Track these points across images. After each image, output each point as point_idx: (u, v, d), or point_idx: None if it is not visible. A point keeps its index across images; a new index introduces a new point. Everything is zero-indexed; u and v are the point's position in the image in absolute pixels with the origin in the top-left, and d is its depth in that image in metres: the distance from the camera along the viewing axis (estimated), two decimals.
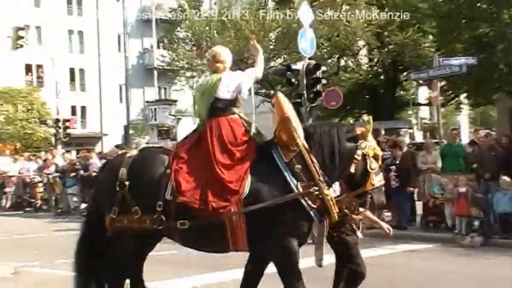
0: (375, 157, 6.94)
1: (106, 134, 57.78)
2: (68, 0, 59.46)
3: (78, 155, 27.82)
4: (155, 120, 59.29)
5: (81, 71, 59.67)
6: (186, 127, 58.32)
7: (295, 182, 6.59)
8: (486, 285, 7.46)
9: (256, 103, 36.09)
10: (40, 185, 26.44)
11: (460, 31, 26.33)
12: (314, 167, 6.63)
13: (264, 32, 29.54)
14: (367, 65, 31.88)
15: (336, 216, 6.69)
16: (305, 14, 19.17)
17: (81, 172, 23.92)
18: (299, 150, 6.67)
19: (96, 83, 60.10)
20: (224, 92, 6.88)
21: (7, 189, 27.42)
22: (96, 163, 23.98)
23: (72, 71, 57.90)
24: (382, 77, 30.53)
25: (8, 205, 27.06)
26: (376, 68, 31.59)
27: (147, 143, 28.06)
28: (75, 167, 24.66)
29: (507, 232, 14.78)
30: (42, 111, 48.12)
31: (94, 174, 23.38)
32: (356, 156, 6.83)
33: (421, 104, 39.52)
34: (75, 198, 24.48)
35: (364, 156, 6.84)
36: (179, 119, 59.55)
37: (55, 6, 57.65)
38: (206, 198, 6.50)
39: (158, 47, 58.15)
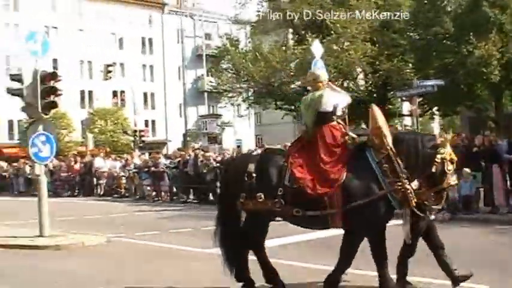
0: (451, 161, 6.79)
1: (170, 140, 58.05)
2: (142, 42, 59.91)
3: (149, 156, 27.86)
4: (206, 129, 59.58)
5: (152, 94, 59.99)
6: (228, 135, 58.90)
7: (383, 178, 6.63)
8: (452, 252, 7.37)
9: (281, 115, 36.15)
10: (123, 178, 26.56)
11: (431, 60, 26.29)
12: (399, 167, 6.63)
13: (286, 63, 29.48)
14: (363, 86, 31.61)
15: (414, 204, 6.65)
16: (317, 48, 19.12)
17: (152, 168, 23.95)
18: (387, 153, 6.69)
19: (162, 103, 60.43)
20: (326, 106, 6.97)
21: (100, 181, 27.54)
22: (162, 162, 24.10)
23: (145, 94, 58.27)
24: (375, 95, 30.21)
25: (101, 193, 27.19)
26: (370, 88, 31.31)
27: (199, 147, 28.16)
28: (147, 165, 24.74)
29: (468, 210, 14.81)
30: (124, 125, 48.47)
31: (161, 170, 23.59)
32: (436, 160, 6.73)
33: (404, 115, 38.99)
34: (148, 188, 24.53)
35: (442, 160, 6.72)
36: (223, 128, 59.70)
37: (133, 48, 58.22)
38: (314, 184, 6.64)
39: (207, 75, 58.32)
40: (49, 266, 9.98)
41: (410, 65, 29.01)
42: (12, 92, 12.68)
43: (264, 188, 6.80)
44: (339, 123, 7.04)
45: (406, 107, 37.74)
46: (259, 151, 7.70)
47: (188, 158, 22.64)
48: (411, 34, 29.19)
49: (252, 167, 6.93)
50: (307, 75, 7.63)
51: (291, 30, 34.40)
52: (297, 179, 6.70)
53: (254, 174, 6.87)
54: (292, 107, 32.36)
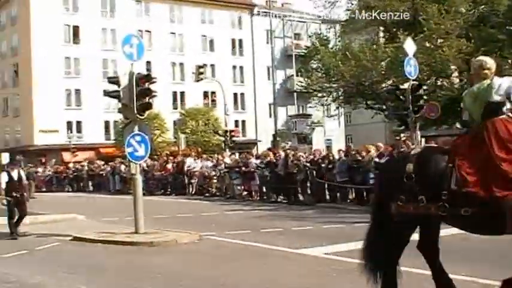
0: None
1: (260, 140, 58.57)
2: (233, 44, 60.82)
3: (240, 156, 28.17)
4: (295, 129, 59.85)
5: (242, 95, 60.77)
6: (318, 134, 58.71)
7: None
8: None
9: (371, 115, 35.56)
10: (214, 177, 27.00)
11: None
12: None
13: (376, 61, 28.97)
14: (458, 84, 30.48)
15: None
16: (409, 46, 18.62)
17: (243, 168, 24.21)
18: None
19: (252, 103, 61.06)
20: (495, 96, 6.10)
21: (192, 180, 28.13)
22: (253, 161, 24.29)
23: (235, 95, 59.10)
24: None
25: (193, 192, 27.76)
26: (465, 86, 30.18)
27: (289, 147, 28.16)
28: (238, 165, 25.03)
29: None
30: (215, 125, 49.33)
31: (252, 169, 23.80)
32: None
33: None
34: (238, 187, 24.80)
35: None
36: (313, 128, 59.64)
37: (224, 49, 59.26)
38: (489, 188, 5.80)
39: (297, 75, 58.46)
40: (145, 261, 10.33)
41: (510, 61, 27.69)
42: (109, 94, 13.23)
43: (425, 190, 6.10)
44: (509, 116, 6.08)
45: None
46: (418, 150, 6.93)
47: (278, 158, 22.73)
48: (511, 28, 27.82)
49: (411, 167, 6.24)
50: (472, 63, 6.65)
51: (381, 28, 33.78)
52: (466, 181, 5.90)
53: (414, 176, 6.18)
54: (383, 107, 31.75)
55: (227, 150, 33.18)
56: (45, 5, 51.15)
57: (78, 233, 13.19)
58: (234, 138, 35.86)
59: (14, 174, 13.84)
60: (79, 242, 12.61)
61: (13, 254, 11.02)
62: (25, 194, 14.20)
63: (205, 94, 57.08)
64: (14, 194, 13.58)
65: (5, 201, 13.44)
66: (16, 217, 13.70)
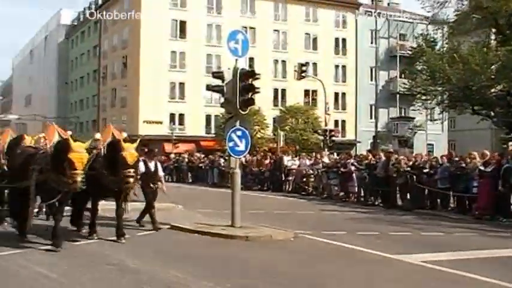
0: None
1: (359, 142, 57.87)
2: (336, 43, 60.41)
3: (338, 156, 27.92)
4: (396, 132, 58.67)
5: (343, 94, 60.26)
6: (419, 139, 57.21)
7: None
8: None
9: (477, 120, 34.17)
10: (312, 176, 26.96)
11: None
12: None
13: (486, 65, 27.80)
14: None
15: None
16: None
17: (341, 169, 23.98)
18: None
19: (353, 103, 60.39)
20: None
21: (289, 178, 28.26)
22: (351, 162, 23.98)
23: (336, 94, 58.66)
24: None
25: (289, 189, 27.86)
26: None
27: (392, 150, 27.54)
28: (336, 165, 24.82)
29: None
30: (315, 124, 49.20)
31: (350, 170, 23.47)
32: None
33: None
34: (336, 188, 24.61)
35: None
36: (415, 132, 58.17)
37: (327, 48, 59.05)
38: None
39: (400, 77, 57.27)
40: (239, 255, 10.49)
41: None
42: (213, 88, 13.51)
43: None
44: None
45: None
46: None
47: (378, 160, 22.34)
48: None
49: None
50: None
51: (493, 30, 32.34)
52: None
53: None
54: (491, 113, 30.44)
55: (326, 149, 32.97)
56: (155, 0, 53.10)
57: (176, 222, 13.57)
58: (333, 138, 35.57)
59: (151, 164, 13.49)
60: (176, 231, 13.00)
61: (114, 238, 11.52)
62: (160, 185, 13.77)
63: (306, 92, 57.04)
64: (151, 185, 13.33)
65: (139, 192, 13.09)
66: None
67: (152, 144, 49.83)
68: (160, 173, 14.14)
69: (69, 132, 15.45)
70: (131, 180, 11.03)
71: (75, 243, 11.23)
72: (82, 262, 9.43)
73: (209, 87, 13.63)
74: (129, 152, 11.07)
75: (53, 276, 8.36)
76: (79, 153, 10.04)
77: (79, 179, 9.93)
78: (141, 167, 12.73)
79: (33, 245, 10.73)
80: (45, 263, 9.23)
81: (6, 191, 12.87)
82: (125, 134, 15.06)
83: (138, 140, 11.92)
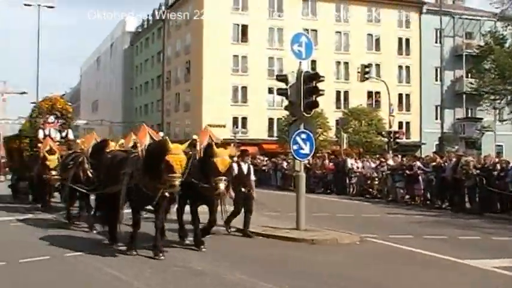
0: None
1: (424, 143, 56.64)
2: (399, 43, 59.47)
3: (404, 158, 27.41)
4: (463, 133, 57.08)
5: (407, 96, 59.17)
6: (487, 140, 55.49)
7: None
8: None
9: None
10: (376, 179, 26.64)
11: None
12: None
13: None
14: None
15: None
16: None
17: (407, 171, 23.57)
18: None
19: (418, 104, 59.24)
20: None
21: (353, 181, 28.01)
22: (418, 165, 23.51)
23: (400, 96, 57.63)
24: None
25: (353, 192, 27.61)
26: None
27: (462, 153, 26.84)
28: (402, 167, 24.42)
29: None
30: (379, 126, 48.54)
31: (417, 173, 23.02)
32: None
33: None
34: (401, 191, 24.21)
35: None
36: (482, 133, 56.45)
37: (390, 49, 58.18)
38: None
39: (467, 76, 55.83)
40: (305, 258, 10.48)
41: None
42: (278, 91, 13.55)
43: None
44: None
45: None
46: None
47: (446, 162, 21.82)
48: None
49: None
50: None
51: None
52: None
53: None
54: None
55: (390, 151, 32.48)
56: (217, 5, 53.68)
57: (242, 225, 13.64)
58: (397, 140, 35.03)
59: (244, 167, 12.79)
60: (241, 233, 13.06)
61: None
62: (252, 190, 12.95)
63: (369, 94, 56.36)
64: (242, 189, 12.62)
65: (233, 195, 12.43)
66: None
67: None
68: (252, 177, 13.17)
69: (161, 134, 15.59)
70: (221, 187, 10.32)
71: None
72: (152, 264, 9.63)
73: (279, 91, 13.65)
74: (221, 158, 10.39)
75: (123, 278, 8.59)
76: (177, 155, 9.44)
77: (177, 183, 9.41)
78: (234, 169, 12.25)
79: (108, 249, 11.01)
80: (118, 265, 9.47)
81: (92, 196, 13.17)
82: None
83: (232, 145, 11.59)
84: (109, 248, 10.85)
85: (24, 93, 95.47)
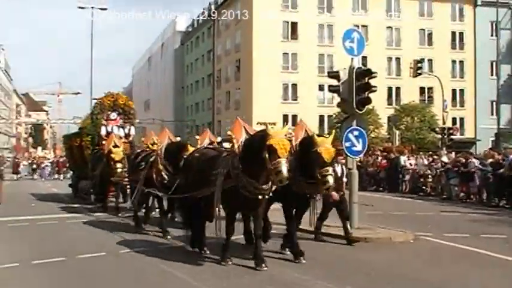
0: None
1: (479, 140, 55.33)
2: (453, 37, 58.23)
3: (458, 155, 26.82)
4: None
5: (461, 91, 57.93)
6: None
7: None
8: None
9: None
10: (429, 176, 26.19)
11: None
12: None
13: None
14: None
15: None
16: None
17: (462, 168, 23.07)
18: None
19: (472, 100, 57.90)
20: None
21: (405, 178, 27.57)
22: (473, 162, 22.97)
23: (454, 91, 56.46)
24: None
25: (406, 190, 27.21)
26: None
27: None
28: (457, 164, 23.90)
29: None
30: (431, 122, 47.75)
31: (472, 170, 22.50)
32: None
33: None
34: (456, 188, 23.73)
35: None
36: None
37: (443, 43, 57.09)
38: None
39: None
40: (358, 257, 10.38)
41: None
42: (330, 89, 13.45)
43: None
44: None
45: None
46: None
47: (504, 158, 21.24)
48: None
49: None
50: None
51: None
52: None
53: None
54: None
55: (444, 148, 31.85)
56: (266, 3, 53.77)
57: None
58: (451, 137, 34.29)
59: (338, 168, 11.54)
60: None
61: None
62: (344, 193, 11.99)
63: (422, 90, 55.48)
64: (334, 193, 11.26)
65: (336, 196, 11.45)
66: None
67: None
68: (344, 178, 12.10)
69: (178, 138, 15.11)
70: (330, 180, 9.04)
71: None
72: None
73: (331, 88, 13.49)
74: (325, 147, 9.10)
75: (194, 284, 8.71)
76: (280, 139, 8.45)
77: (284, 169, 8.25)
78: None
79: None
80: (191, 270, 9.26)
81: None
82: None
83: (333, 132, 10.01)
84: (196, 257, 10.08)
85: (78, 93, 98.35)
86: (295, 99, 54.75)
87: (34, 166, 46.97)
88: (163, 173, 12.14)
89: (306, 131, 10.61)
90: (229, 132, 9.83)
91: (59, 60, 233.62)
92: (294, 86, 54.92)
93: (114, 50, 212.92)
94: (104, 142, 18.70)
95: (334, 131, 10.93)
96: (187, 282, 8.35)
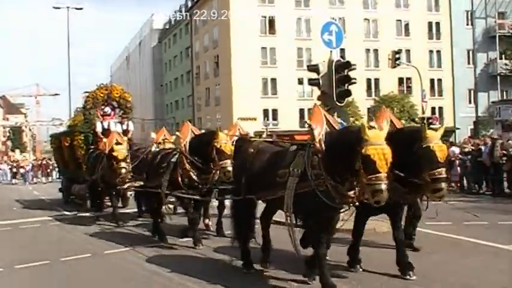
0: None
1: (458, 128, 55.85)
2: (429, 27, 58.65)
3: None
4: (499, 116, 55.96)
5: (439, 80, 58.39)
6: None
7: None
8: None
9: None
10: None
11: None
12: None
13: None
14: None
15: None
16: None
17: None
18: None
19: (450, 89, 58.45)
20: None
21: None
22: (452, 150, 23.02)
23: (432, 81, 56.95)
24: None
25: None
26: None
27: (497, 136, 26.31)
28: None
29: None
30: (411, 112, 48.13)
31: (452, 159, 22.53)
32: None
33: None
34: None
35: None
36: None
37: (420, 34, 57.44)
38: None
39: (500, 58, 54.74)
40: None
41: None
42: (310, 82, 13.47)
43: None
44: None
45: None
46: None
47: (482, 146, 21.47)
48: None
49: None
50: None
51: None
52: None
53: None
54: None
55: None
56: None
57: None
58: (431, 126, 34.48)
59: None
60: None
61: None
62: None
63: (401, 80, 55.85)
64: None
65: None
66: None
67: None
68: None
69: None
70: (444, 186, 7.40)
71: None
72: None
73: (310, 82, 13.49)
74: (437, 144, 7.31)
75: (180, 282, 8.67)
76: (380, 147, 6.52)
77: (384, 187, 6.45)
78: None
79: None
80: (179, 268, 9.22)
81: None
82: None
83: (443, 128, 8.11)
84: (185, 256, 9.87)
85: (56, 94, 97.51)
86: (275, 94, 54.81)
87: (14, 170, 46.40)
88: (191, 173, 10.64)
89: (391, 121, 8.67)
90: (308, 121, 7.70)
91: (36, 62, 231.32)
92: (273, 80, 54.95)
93: (92, 50, 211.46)
94: (103, 140, 16.36)
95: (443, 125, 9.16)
96: (173, 280, 8.31)
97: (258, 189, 8.05)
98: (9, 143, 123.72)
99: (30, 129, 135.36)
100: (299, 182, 7.22)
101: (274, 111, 54.55)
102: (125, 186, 14.23)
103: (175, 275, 8.56)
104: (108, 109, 18.31)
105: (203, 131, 12.44)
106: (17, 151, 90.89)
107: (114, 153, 13.86)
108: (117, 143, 14.33)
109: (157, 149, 13.22)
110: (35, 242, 12.42)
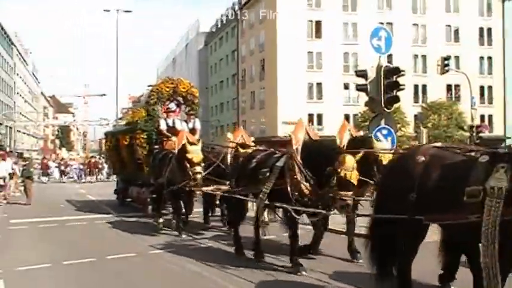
0: None
1: (509, 137, 54.63)
2: (480, 33, 57.53)
3: None
4: None
5: (489, 88, 57.30)
6: None
7: None
8: None
9: None
10: None
11: None
12: None
13: None
14: None
15: None
16: None
17: None
18: None
19: (501, 96, 57.21)
20: None
21: None
22: None
23: (482, 88, 55.90)
24: None
25: None
26: None
27: None
28: None
29: None
30: (459, 120, 47.28)
31: None
32: None
33: None
34: None
35: None
36: None
37: (470, 40, 56.39)
38: None
39: None
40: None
41: None
42: (358, 87, 13.39)
43: None
44: None
45: None
46: None
47: None
48: None
49: None
50: None
51: None
52: None
53: None
54: None
55: (473, 147, 31.39)
56: (290, 2, 53.74)
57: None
58: (480, 134, 33.85)
59: None
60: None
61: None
62: None
63: (449, 87, 54.99)
64: None
65: None
66: None
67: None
68: None
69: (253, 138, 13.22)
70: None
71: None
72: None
73: (358, 87, 13.44)
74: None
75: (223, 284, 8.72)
76: None
77: None
78: None
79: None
80: (220, 270, 9.39)
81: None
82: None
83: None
84: (226, 258, 9.76)
85: (103, 95, 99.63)
86: (320, 99, 54.66)
87: (62, 168, 47.12)
88: (302, 186, 8.52)
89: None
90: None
91: (85, 64, 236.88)
92: (319, 85, 54.80)
93: (140, 51, 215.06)
94: (171, 139, 14.93)
95: None
96: (215, 281, 8.33)
97: (432, 209, 5.93)
98: (57, 141, 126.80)
99: (77, 129, 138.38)
100: (506, 206, 5.16)
101: (319, 116, 54.33)
102: (208, 189, 12.46)
103: (218, 277, 8.57)
104: (173, 105, 16.79)
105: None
106: (63, 149, 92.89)
107: (188, 155, 12.00)
108: (191, 143, 12.38)
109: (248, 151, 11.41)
110: (82, 240, 12.65)
